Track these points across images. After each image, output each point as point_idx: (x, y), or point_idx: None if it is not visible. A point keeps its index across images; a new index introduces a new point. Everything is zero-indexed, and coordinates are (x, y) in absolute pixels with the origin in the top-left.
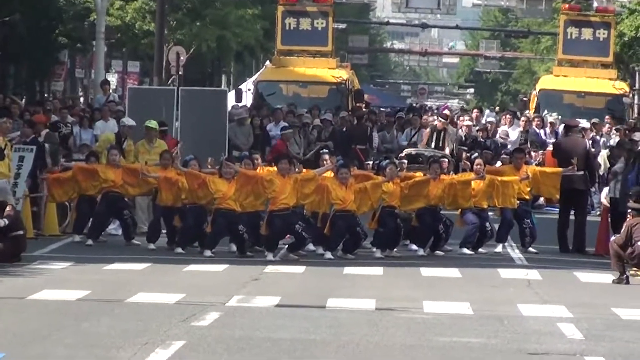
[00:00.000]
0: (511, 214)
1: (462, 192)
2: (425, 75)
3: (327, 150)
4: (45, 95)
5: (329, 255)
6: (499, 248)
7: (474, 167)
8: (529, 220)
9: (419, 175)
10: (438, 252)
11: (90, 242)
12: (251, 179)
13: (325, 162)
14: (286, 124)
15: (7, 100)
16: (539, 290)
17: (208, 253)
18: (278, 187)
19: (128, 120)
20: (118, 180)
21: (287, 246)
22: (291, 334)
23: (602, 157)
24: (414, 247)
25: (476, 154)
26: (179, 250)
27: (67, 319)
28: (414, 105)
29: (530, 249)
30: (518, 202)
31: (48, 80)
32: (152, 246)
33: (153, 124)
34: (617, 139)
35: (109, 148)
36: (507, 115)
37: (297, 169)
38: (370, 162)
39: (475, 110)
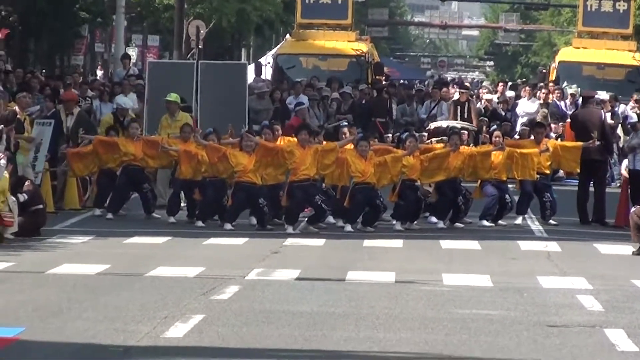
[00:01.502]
0: (531, 186)
1: (482, 164)
2: (445, 48)
3: (346, 124)
4: (70, 69)
5: (348, 227)
6: (518, 220)
7: (493, 139)
8: (549, 194)
9: (439, 147)
10: (458, 225)
11: (110, 215)
12: (271, 150)
13: (344, 135)
14: (305, 98)
15: (27, 75)
16: (558, 262)
17: (228, 226)
18: (298, 158)
19: (125, 102)
20: (138, 153)
21: (307, 219)
22: (311, 307)
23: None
24: (434, 219)
25: (495, 126)
26: (199, 223)
27: (87, 293)
28: (435, 77)
29: (550, 221)
30: (538, 175)
31: (68, 55)
32: (172, 219)
33: (173, 97)
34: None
35: (129, 121)
36: (527, 88)
37: (317, 140)
38: (390, 135)
39: (500, 83)
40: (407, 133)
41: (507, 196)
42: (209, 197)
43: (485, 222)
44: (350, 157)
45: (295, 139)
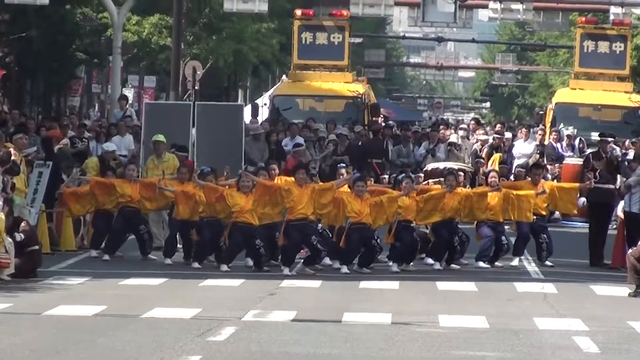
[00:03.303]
0: (527, 227)
1: (478, 204)
2: (441, 89)
3: (344, 165)
4: (64, 111)
5: (344, 269)
6: (515, 262)
7: (489, 180)
8: (545, 235)
9: (435, 188)
10: (454, 266)
11: (107, 257)
12: (269, 189)
13: (341, 176)
14: (302, 139)
15: (22, 116)
16: (554, 303)
17: (225, 267)
18: (296, 197)
19: (108, 146)
20: (135, 195)
21: (302, 260)
22: (307, 348)
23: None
24: (430, 261)
25: (491, 168)
26: (196, 264)
27: (83, 334)
28: (433, 119)
29: (547, 262)
30: (534, 217)
31: (64, 96)
32: (168, 261)
33: (161, 137)
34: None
35: (126, 163)
36: (523, 129)
37: (314, 180)
38: (387, 176)
39: (498, 125)
40: (403, 174)
41: (503, 237)
42: (206, 237)
43: (481, 264)
44: (346, 197)
45: (292, 179)
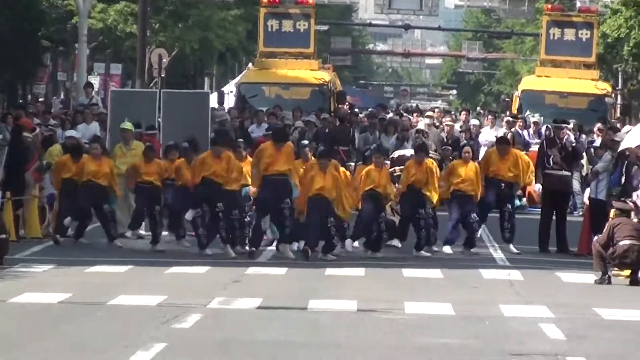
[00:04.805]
0: (492, 197)
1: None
2: (408, 77)
3: (306, 143)
4: (29, 97)
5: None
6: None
7: (462, 154)
8: (509, 205)
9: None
10: (423, 253)
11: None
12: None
13: (306, 156)
14: (266, 126)
15: None
16: (520, 290)
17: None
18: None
19: (70, 132)
20: (100, 170)
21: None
22: (272, 335)
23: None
24: (396, 242)
25: (467, 146)
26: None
27: (48, 322)
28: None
29: (512, 248)
30: (502, 184)
31: (30, 83)
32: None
33: (128, 125)
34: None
35: (90, 141)
36: (489, 117)
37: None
38: (353, 164)
39: (463, 112)
40: (370, 150)
41: (473, 215)
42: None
43: (446, 249)
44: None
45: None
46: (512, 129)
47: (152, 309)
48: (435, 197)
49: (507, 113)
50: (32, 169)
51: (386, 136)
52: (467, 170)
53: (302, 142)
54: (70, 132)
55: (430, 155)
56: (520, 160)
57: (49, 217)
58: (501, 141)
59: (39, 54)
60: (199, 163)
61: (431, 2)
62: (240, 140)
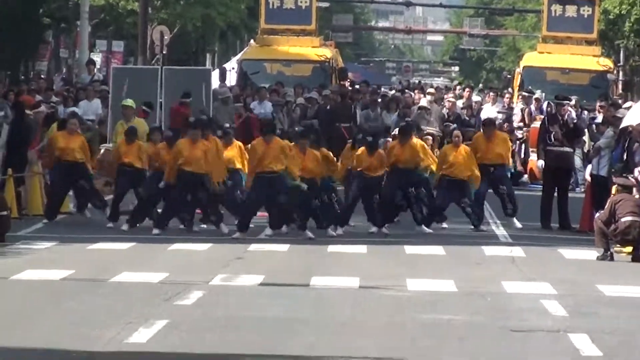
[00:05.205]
0: (485, 187)
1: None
2: (410, 53)
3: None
4: (31, 74)
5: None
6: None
7: (452, 138)
8: (505, 187)
9: None
10: (424, 229)
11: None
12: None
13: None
14: (269, 104)
15: None
16: (523, 267)
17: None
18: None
19: (71, 109)
20: (71, 146)
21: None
22: (274, 312)
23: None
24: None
25: (454, 126)
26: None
27: (51, 298)
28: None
29: (516, 222)
30: (492, 167)
31: (33, 60)
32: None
33: (129, 102)
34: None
35: (68, 116)
36: (491, 94)
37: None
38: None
39: (467, 89)
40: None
41: (465, 200)
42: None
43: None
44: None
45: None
46: (513, 105)
47: (154, 285)
48: (433, 166)
49: (509, 90)
50: (36, 148)
51: (387, 113)
52: (457, 155)
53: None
54: (71, 109)
55: (431, 131)
56: (507, 142)
57: None
58: (487, 123)
59: (41, 31)
60: (176, 152)
61: None
62: (227, 125)
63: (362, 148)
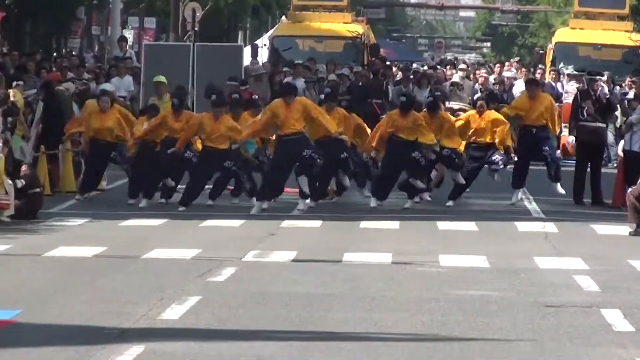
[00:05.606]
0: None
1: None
2: (442, 29)
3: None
4: (63, 51)
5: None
6: (514, 197)
7: (477, 108)
8: (546, 148)
9: None
10: (450, 203)
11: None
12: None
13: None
14: (302, 80)
15: (22, 58)
16: (555, 243)
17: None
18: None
19: (105, 86)
20: (106, 125)
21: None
22: (307, 288)
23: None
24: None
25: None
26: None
27: (83, 275)
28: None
29: (560, 188)
30: (533, 128)
31: (65, 37)
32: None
33: (162, 78)
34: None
35: (99, 94)
36: (523, 69)
37: None
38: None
39: (497, 65)
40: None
41: (494, 158)
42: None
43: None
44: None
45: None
46: (545, 81)
47: (186, 262)
48: (429, 138)
49: (540, 66)
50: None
51: (419, 89)
52: (480, 121)
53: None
54: (104, 86)
55: (463, 107)
56: (551, 105)
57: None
58: (530, 82)
59: (73, 8)
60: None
61: None
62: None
63: (396, 109)
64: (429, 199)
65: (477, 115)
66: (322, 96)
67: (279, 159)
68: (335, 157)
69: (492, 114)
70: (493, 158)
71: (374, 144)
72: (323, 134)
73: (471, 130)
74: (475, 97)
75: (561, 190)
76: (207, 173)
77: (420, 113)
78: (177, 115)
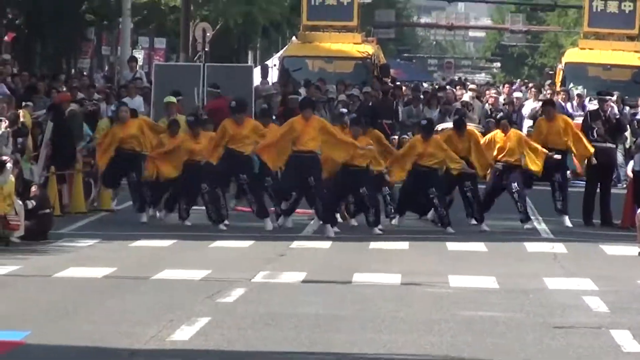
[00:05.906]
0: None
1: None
2: (452, 49)
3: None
4: (72, 71)
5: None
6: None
7: (501, 127)
8: (559, 175)
9: None
10: (449, 229)
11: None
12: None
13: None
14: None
15: (32, 78)
16: (564, 263)
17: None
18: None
19: (122, 102)
20: (129, 132)
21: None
22: (316, 309)
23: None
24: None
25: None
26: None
27: (93, 296)
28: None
29: (567, 221)
30: (551, 152)
31: (75, 58)
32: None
33: (172, 99)
34: None
35: (117, 105)
36: (533, 90)
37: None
38: (396, 137)
39: (506, 85)
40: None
41: (514, 185)
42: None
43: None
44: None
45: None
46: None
47: (196, 283)
48: (456, 164)
49: (550, 85)
50: (78, 148)
51: (429, 109)
52: (506, 140)
53: (341, 110)
54: (122, 102)
55: (473, 127)
56: (569, 127)
57: (94, 193)
58: (546, 102)
59: (83, 28)
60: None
61: None
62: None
63: (418, 135)
64: (452, 231)
65: (503, 134)
66: (348, 121)
67: (289, 173)
68: (353, 188)
69: (519, 133)
70: (512, 185)
71: (403, 175)
72: (347, 152)
73: (497, 146)
74: (498, 116)
75: (569, 224)
76: (226, 176)
77: (444, 133)
78: (195, 137)
